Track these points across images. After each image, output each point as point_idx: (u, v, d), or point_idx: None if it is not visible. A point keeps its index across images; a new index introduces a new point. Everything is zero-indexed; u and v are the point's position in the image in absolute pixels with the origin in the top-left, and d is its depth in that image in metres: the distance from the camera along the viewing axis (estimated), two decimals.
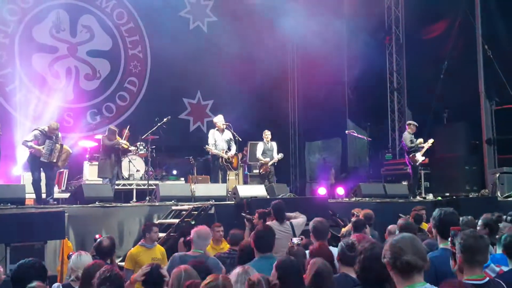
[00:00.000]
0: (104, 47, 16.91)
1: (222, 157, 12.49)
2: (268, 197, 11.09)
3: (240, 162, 14.02)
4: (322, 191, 13.76)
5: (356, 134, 16.01)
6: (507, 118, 14.82)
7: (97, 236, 7.71)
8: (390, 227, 7.23)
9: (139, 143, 13.97)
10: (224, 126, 12.70)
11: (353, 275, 4.22)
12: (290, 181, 18.08)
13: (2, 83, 15.30)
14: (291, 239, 5.99)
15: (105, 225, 9.89)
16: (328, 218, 9.15)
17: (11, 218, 8.25)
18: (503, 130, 15.07)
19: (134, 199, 12.51)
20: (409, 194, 13.45)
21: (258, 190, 11.54)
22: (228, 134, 12.74)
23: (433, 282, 3.33)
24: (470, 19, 15.48)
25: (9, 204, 9.52)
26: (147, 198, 11.73)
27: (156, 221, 10.05)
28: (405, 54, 18.33)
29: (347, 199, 13.25)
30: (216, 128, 12.69)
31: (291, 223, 7.43)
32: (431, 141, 13.91)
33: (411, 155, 13.66)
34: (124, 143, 12.52)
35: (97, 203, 10.31)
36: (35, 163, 10.70)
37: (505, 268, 4.30)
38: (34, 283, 4.16)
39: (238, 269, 4.07)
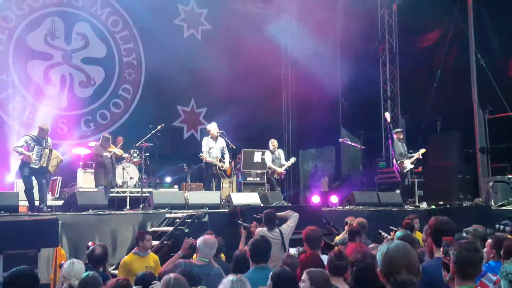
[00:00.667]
0: (98, 55, 16.92)
1: (215, 165, 12.50)
2: (262, 205, 11.09)
3: (233, 170, 14.03)
4: (316, 199, 13.77)
5: (349, 142, 16.03)
6: (501, 127, 14.85)
7: (90, 243, 7.69)
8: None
9: (133, 150, 13.96)
10: (218, 134, 12.71)
11: (341, 287, 4.22)
12: (284, 189, 18.07)
13: None
14: (288, 249, 5.99)
15: (98, 232, 9.85)
16: (321, 226, 9.17)
17: (4, 226, 8.20)
18: (497, 139, 15.12)
19: (128, 207, 12.49)
20: (403, 202, 13.49)
21: (251, 198, 11.53)
22: (221, 142, 12.75)
23: None
24: (463, 28, 15.58)
25: (2, 211, 9.49)
26: (141, 205, 11.70)
27: (149, 229, 10.03)
28: (399, 63, 18.41)
29: (340, 207, 13.25)
30: (210, 135, 12.70)
31: (280, 230, 7.46)
32: (422, 150, 14.01)
33: (399, 162, 13.73)
34: (117, 150, 12.52)
35: (90, 210, 10.28)
36: (26, 171, 10.69)
37: None
38: None
39: (231, 277, 4.05)
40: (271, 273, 4.22)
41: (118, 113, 17.02)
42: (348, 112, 18.39)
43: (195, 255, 6.00)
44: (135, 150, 13.93)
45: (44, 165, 10.76)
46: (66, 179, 14.12)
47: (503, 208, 12.96)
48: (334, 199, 14.09)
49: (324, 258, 5.14)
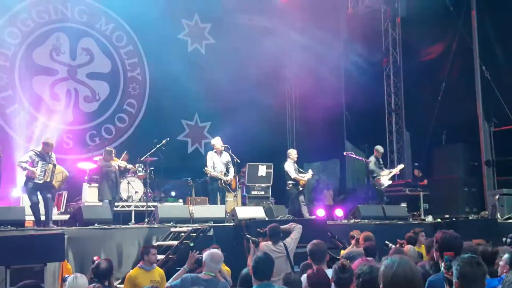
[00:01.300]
0: (103, 70, 17.02)
1: (220, 179, 12.50)
2: (267, 218, 11.08)
3: (238, 183, 14.02)
4: (320, 212, 13.73)
5: (354, 156, 15.98)
6: (506, 140, 14.81)
7: (95, 258, 7.69)
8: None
9: (137, 164, 13.97)
10: (223, 148, 12.73)
11: None
12: (288, 202, 18.01)
13: (2, 105, 15.36)
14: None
15: (104, 247, 9.86)
16: (326, 240, 9.14)
17: (11, 240, 8.22)
18: (502, 152, 15.08)
19: (133, 221, 12.49)
20: (408, 216, 13.45)
21: (256, 212, 11.52)
22: (226, 156, 12.76)
23: None
24: (467, 41, 15.59)
25: (9, 226, 9.50)
26: (146, 220, 11.71)
27: (155, 243, 10.03)
28: (403, 76, 18.39)
29: (345, 221, 13.21)
30: (214, 150, 12.72)
31: (284, 244, 7.45)
32: (400, 166, 14.38)
33: (376, 179, 13.76)
34: (121, 162, 12.57)
35: (96, 225, 10.29)
36: (31, 187, 10.71)
37: None
38: None
39: None
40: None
41: (123, 128, 17.08)
42: (352, 125, 18.40)
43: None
44: (140, 165, 13.94)
45: (48, 180, 10.79)
46: (71, 193, 14.13)
47: (510, 221, 12.91)
48: (339, 212, 14.04)
49: (329, 272, 5.13)
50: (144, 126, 17.02)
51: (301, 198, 13.36)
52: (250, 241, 7.71)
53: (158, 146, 13.01)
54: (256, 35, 17.79)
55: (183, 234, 10.04)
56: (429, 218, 13.94)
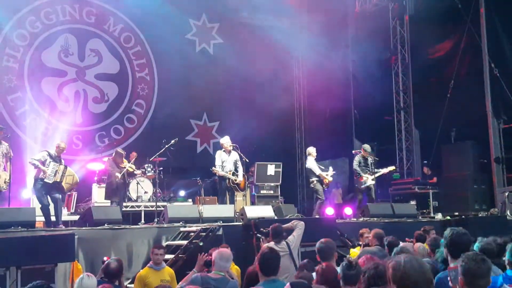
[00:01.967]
0: (112, 71, 17.09)
1: (229, 178, 12.53)
2: (275, 217, 11.08)
3: (247, 183, 14.04)
4: (330, 211, 13.72)
5: None
6: None
7: (105, 258, 7.72)
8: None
9: (147, 165, 14.03)
10: (231, 147, 12.74)
11: None
12: (297, 201, 18.05)
13: (12, 107, 15.45)
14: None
15: (114, 247, 9.92)
16: (336, 238, 9.13)
17: (22, 241, 8.27)
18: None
19: (143, 221, 12.53)
20: (417, 213, 13.43)
21: (265, 211, 11.52)
22: (235, 155, 12.78)
23: None
24: (476, 38, 15.52)
25: (19, 227, 9.55)
26: (156, 219, 11.74)
27: (164, 243, 10.07)
28: (411, 73, 18.35)
29: (355, 219, 13.22)
30: (223, 149, 12.74)
31: (287, 243, 7.47)
32: (391, 168, 14.23)
33: (359, 176, 13.72)
34: (129, 166, 12.61)
35: (106, 225, 10.34)
36: (39, 188, 10.80)
37: None
38: None
39: None
40: (288, 284, 4.22)
41: (132, 128, 17.14)
42: (361, 123, 18.37)
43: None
44: (149, 165, 14.00)
45: (58, 180, 10.88)
46: (81, 194, 14.22)
47: None
48: (348, 211, 14.05)
49: (338, 270, 5.15)
50: (153, 126, 17.07)
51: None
52: (261, 239, 7.76)
53: (167, 146, 13.05)
54: (263, 34, 17.78)
55: (192, 233, 10.08)
56: (439, 216, 13.92)
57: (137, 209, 13.51)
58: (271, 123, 17.57)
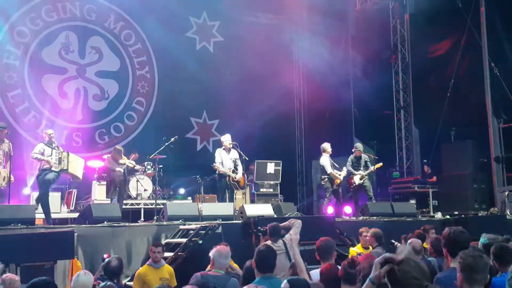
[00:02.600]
0: (112, 68, 17.06)
1: (229, 176, 12.54)
2: (275, 216, 11.09)
3: (246, 181, 14.05)
4: (329, 210, 13.75)
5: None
6: None
7: (105, 256, 7.75)
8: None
9: (146, 162, 14.03)
10: (231, 145, 12.76)
11: None
12: (297, 200, 18.06)
13: (12, 104, 15.43)
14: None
15: (113, 244, 9.92)
16: (335, 237, 9.14)
17: (21, 238, 8.30)
18: (511, 148, 15.06)
19: (142, 219, 12.54)
20: (417, 212, 13.43)
21: (265, 209, 11.55)
22: (234, 154, 12.80)
23: None
24: (476, 37, 15.53)
25: (19, 224, 9.56)
26: (155, 217, 11.74)
27: (163, 241, 10.09)
28: (411, 72, 18.37)
29: (354, 218, 13.23)
30: (223, 147, 12.76)
31: (283, 241, 7.47)
32: (378, 165, 14.18)
33: (350, 177, 13.72)
34: (129, 162, 12.63)
35: (105, 222, 10.34)
36: (44, 178, 10.82)
37: None
38: None
39: None
40: (289, 279, 4.23)
41: (132, 126, 17.13)
42: (361, 122, 18.38)
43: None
44: (149, 162, 13.99)
45: (65, 168, 10.91)
46: (81, 191, 14.22)
47: None
48: (347, 209, 14.07)
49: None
50: (153, 124, 17.06)
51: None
52: (261, 237, 7.76)
53: (167, 143, 13.07)
54: (264, 32, 17.78)
55: (192, 231, 10.08)
56: (438, 215, 13.94)
57: (136, 206, 13.52)
58: (271, 121, 17.56)
